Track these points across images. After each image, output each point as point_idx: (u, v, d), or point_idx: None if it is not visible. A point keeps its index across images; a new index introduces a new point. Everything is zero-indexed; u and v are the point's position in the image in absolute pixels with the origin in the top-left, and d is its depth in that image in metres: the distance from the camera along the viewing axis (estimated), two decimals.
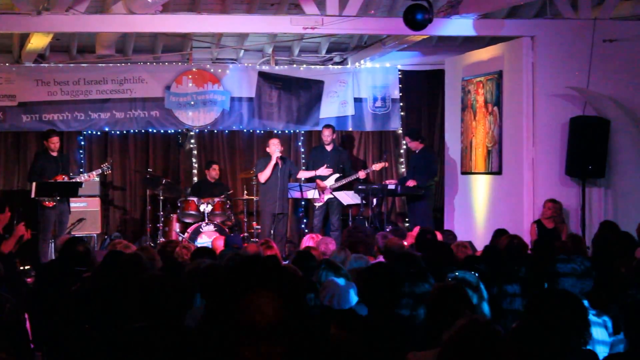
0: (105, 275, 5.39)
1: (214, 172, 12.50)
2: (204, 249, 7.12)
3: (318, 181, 11.92)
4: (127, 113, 12.61)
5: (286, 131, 13.47)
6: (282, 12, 11.10)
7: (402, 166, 13.74)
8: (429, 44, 12.88)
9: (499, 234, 8.40)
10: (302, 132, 13.64)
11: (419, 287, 5.07)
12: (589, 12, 10.68)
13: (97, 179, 12.27)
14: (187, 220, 11.86)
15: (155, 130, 12.99)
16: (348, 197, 11.84)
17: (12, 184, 12.74)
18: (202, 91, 12.86)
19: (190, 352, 3.79)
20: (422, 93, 14.07)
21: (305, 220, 13.22)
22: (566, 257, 5.03)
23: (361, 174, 11.96)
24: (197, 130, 13.11)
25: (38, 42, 11.22)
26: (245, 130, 13.34)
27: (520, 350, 3.53)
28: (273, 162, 11.49)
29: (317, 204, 12.02)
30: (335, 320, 4.35)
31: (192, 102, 12.81)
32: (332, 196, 11.93)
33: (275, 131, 13.25)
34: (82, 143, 13.00)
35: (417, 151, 12.24)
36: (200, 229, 11.49)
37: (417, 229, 8.98)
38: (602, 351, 4.37)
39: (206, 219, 11.59)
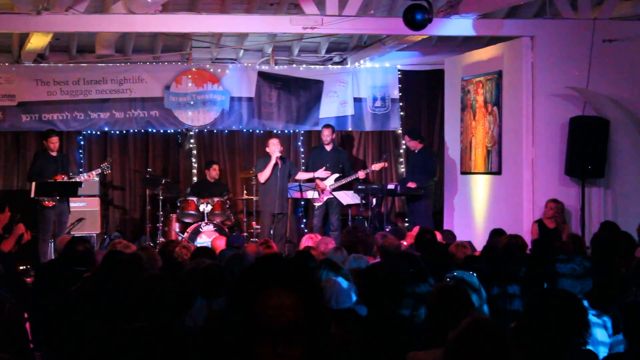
0: (105, 275, 5.40)
1: (214, 172, 12.50)
2: (203, 249, 7.13)
3: (317, 181, 11.92)
4: (126, 113, 12.60)
5: (286, 131, 13.46)
6: (281, 12, 11.10)
7: (402, 166, 13.74)
8: (428, 43, 12.88)
9: (496, 234, 8.41)
10: (302, 132, 13.64)
11: (420, 287, 5.08)
12: (588, 12, 10.68)
13: (97, 179, 12.26)
14: (187, 220, 11.86)
15: (154, 130, 12.98)
16: (347, 197, 11.84)
17: (12, 183, 12.73)
18: (201, 91, 12.86)
19: (190, 352, 3.79)
20: (421, 93, 14.06)
21: (304, 220, 13.22)
22: (566, 257, 5.04)
23: (361, 174, 11.96)
24: (197, 130, 13.11)
25: (38, 41, 11.22)
26: (244, 130, 13.34)
27: (520, 350, 3.53)
28: (273, 162, 11.48)
29: (317, 204, 12.01)
30: (335, 320, 4.35)
31: (192, 102, 12.81)
32: (331, 196, 11.93)
33: (275, 131, 13.24)
34: (82, 143, 12.99)
35: (416, 151, 12.24)
36: (200, 229, 11.49)
37: (416, 229, 8.98)
38: (602, 352, 4.37)
39: (206, 218, 11.59)
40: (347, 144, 13.80)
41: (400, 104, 13.53)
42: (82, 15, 9.84)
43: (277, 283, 2.11)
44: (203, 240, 11.05)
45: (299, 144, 13.78)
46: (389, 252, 7.04)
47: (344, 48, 13.46)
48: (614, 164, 10.68)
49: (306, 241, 8.55)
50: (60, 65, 12.51)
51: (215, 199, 11.79)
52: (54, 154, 11.27)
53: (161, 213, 11.94)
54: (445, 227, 12.28)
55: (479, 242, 9.93)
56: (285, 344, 2.06)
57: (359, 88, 13.32)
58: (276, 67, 13.24)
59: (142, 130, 12.97)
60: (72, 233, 11.22)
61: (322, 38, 12.46)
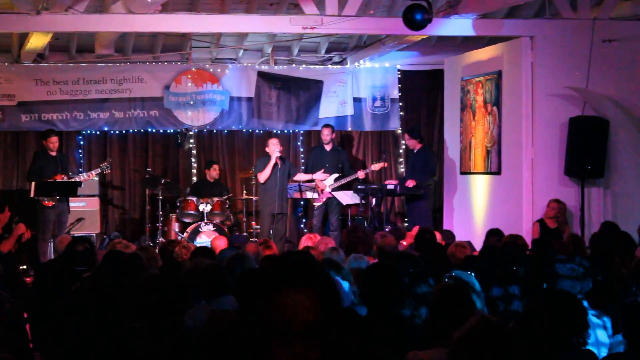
0: (105, 275, 5.40)
1: (214, 172, 12.50)
2: (203, 249, 7.12)
3: (317, 181, 11.92)
4: (126, 113, 12.60)
5: (285, 131, 13.46)
6: (281, 12, 11.11)
7: (402, 166, 13.74)
8: (428, 43, 12.88)
9: (492, 234, 8.41)
10: (301, 132, 13.64)
11: (421, 287, 5.07)
12: (588, 12, 10.68)
13: (96, 179, 12.27)
14: (186, 220, 11.86)
15: (154, 130, 12.98)
16: (347, 197, 11.83)
17: (11, 183, 12.73)
18: (201, 91, 12.85)
19: (190, 352, 3.79)
20: (421, 93, 14.06)
21: (304, 220, 13.22)
22: (565, 257, 5.04)
23: (360, 174, 11.96)
24: (196, 130, 13.11)
25: (37, 41, 11.22)
26: (244, 130, 13.34)
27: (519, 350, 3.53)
28: (272, 162, 11.48)
29: (316, 204, 12.01)
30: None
31: (192, 102, 12.81)
32: (331, 196, 11.93)
33: (275, 131, 13.25)
34: (81, 143, 12.99)
35: (415, 150, 12.24)
36: (200, 229, 11.49)
37: (416, 229, 8.98)
38: (603, 352, 4.37)
39: (205, 218, 11.59)
40: (347, 144, 13.80)
41: (400, 104, 13.54)
42: (82, 15, 9.84)
43: (295, 283, 2.08)
44: (203, 240, 11.05)
45: (299, 144, 13.78)
46: (386, 252, 7.03)
47: (344, 48, 13.46)
48: (613, 164, 10.68)
49: (305, 241, 8.52)
50: (59, 65, 12.52)
51: (215, 199, 11.79)
52: (54, 153, 11.27)
53: (161, 213, 11.94)
54: (445, 227, 12.28)
55: (479, 242, 9.92)
56: (303, 345, 2.03)
57: (358, 88, 13.32)
58: (276, 67, 13.24)
59: (142, 130, 12.97)
60: (71, 233, 11.22)
61: (321, 38, 12.47)
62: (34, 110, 12.30)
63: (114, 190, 13.20)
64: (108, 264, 5.52)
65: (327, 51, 13.44)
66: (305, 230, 12.57)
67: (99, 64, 12.56)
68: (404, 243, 8.66)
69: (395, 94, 13.46)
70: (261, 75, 13.03)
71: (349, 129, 13.57)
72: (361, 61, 13.32)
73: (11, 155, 12.78)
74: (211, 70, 12.93)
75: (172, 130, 13.00)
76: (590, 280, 4.91)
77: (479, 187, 11.87)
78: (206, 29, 11.28)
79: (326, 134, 12.17)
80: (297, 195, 12.03)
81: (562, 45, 10.70)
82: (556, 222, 10.36)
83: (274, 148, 11.56)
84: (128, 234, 12.79)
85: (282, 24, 10.61)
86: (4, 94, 12.18)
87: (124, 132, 13.00)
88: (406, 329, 4.39)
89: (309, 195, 11.99)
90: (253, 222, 12.80)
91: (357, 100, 13.32)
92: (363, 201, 12.02)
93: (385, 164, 12.67)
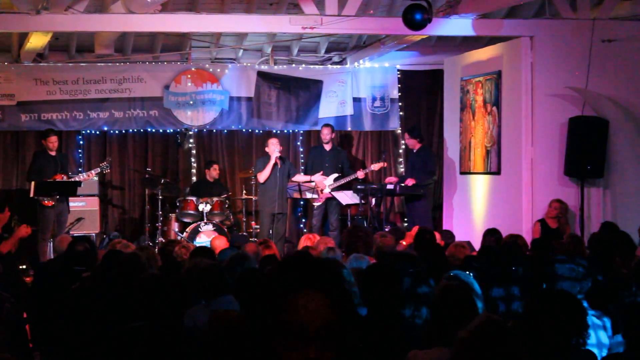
0: (105, 275, 5.40)
1: (214, 172, 12.50)
2: (202, 249, 7.12)
3: (317, 181, 11.91)
4: (126, 112, 12.61)
5: (285, 131, 13.46)
6: (281, 12, 11.10)
7: (401, 166, 13.74)
8: (427, 43, 12.88)
9: (489, 234, 8.41)
10: (301, 131, 13.64)
11: (421, 287, 5.07)
12: (587, 12, 10.68)
13: (96, 179, 12.27)
14: (186, 220, 11.86)
15: (154, 130, 12.99)
16: (347, 197, 11.83)
17: (11, 183, 12.73)
18: (201, 91, 12.86)
19: (189, 352, 3.79)
20: (421, 93, 14.06)
21: (304, 220, 13.22)
22: (565, 257, 5.04)
23: (360, 174, 11.96)
24: (196, 129, 13.11)
25: (37, 41, 11.21)
26: (244, 130, 13.34)
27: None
28: (272, 162, 11.47)
29: (316, 204, 12.01)
30: None
31: (191, 102, 12.81)
32: (330, 196, 11.93)
33: (274, 131, 13.24)
34: (81, 142, 12.99)
35: (414, 150, 12.24)
36: (199, 229, 11.49)
37: (415, 229, 8.97)
38: (604, 353, 4.37)
39: (205, 218, 11.59)
40: (346, 144, 13.80)
41: (400, 103, 13.54)
42: (82, 14, 9.84)
43: (309, 284, 2.05)
44: (202, 240, 11.05)
45: (298, 143, 13.78)
46: (384, 252, 7.03)
47: (344, 48, 13.46)
48: (613, 164, 10.68)
49: (305, 241, 8.51)
50: (59, 64, 12.52)
51: (215, 199, 11.79)
52: (53, 153, 11.26)
53: (160, 213, 11.94)
54: (445, 227, 12.28)
55: (478, 242, 9.91)
56: (317, 348, 2.00)
57: (358, 88, 13.32)
58: (275, 66, 13.24)
59: (142, 130, 12.97)
60: (71, 232, 11.22)
61: (321, 38, 12.47)
62: (34, 110, 12.30)
63: (113, 190, 13.20)
64: (108, 264, 5.52)
65: (327, 51, 13.44)
66: (305, 230, 12.57)
67: (99, 64, 12.56)
68: (404, 243, 8.65)
69: (395, 93, 13.47)
70: (261, 75, 13.03)
71: (349, 128, 13.57)
72: (361, 61, 13.32)
73: (11, 155, 12.78)
74: (211, 70, 12.94)
75: (171, 130, 13.00)
76: (589, 281, 4.91)
77: (479, 187, 11.87)
78: (206, 29, 11.28)
79: (326, 134, 12.17)
80: (296, 195, 12.03)
81: (562, 45, 10.70)
82: (557, 222, 10.36)
83: (273, 148, 11.55)
84: (128, 234, 12.79)
85: (281, 24, 10.61)
86: (3, 94, 12.18)
87: (123, 132, 13.00)
88: (406, 329, 4.38)
89: (309, 195, 11.99)
90: (253, 222, 12.80)
91: (356, 100, 13.33)
92: (363, 201, 12.02)
93: (385, 164, 12.67)
